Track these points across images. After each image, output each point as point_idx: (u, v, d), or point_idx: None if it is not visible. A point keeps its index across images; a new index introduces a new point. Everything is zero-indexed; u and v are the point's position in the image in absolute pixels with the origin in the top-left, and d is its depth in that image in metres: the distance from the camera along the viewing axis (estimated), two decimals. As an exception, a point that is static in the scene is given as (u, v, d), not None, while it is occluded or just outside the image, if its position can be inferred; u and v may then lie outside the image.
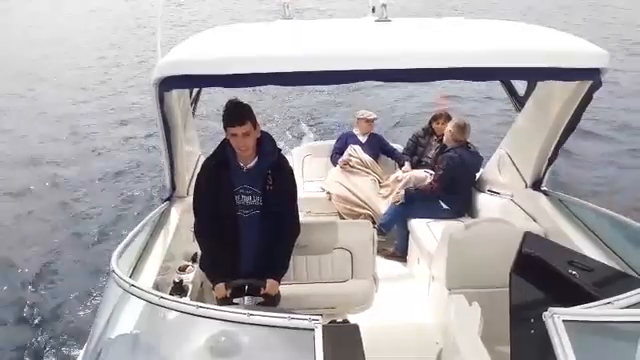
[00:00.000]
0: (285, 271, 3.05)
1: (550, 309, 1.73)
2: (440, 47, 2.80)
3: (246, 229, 2.99)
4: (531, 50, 2.83)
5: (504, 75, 3.21)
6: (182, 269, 3.43)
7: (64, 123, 12.47)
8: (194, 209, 3.09)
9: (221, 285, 2.91)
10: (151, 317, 2.18)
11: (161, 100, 2.84)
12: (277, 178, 2.94)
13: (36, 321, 5.61)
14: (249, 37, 3.20)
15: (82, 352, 2.37)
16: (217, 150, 3.00)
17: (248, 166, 2.94)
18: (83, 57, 19.43)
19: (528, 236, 2.50)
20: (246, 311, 1.82)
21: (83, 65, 18.40)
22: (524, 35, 3.27)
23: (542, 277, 2.30)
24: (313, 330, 1.75)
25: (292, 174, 3.07)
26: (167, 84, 2.64)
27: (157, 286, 3.10)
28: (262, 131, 2.95)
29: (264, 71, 2.53)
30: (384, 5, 3.13)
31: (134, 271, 3.06)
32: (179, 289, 3.18)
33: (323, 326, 2.29)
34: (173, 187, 3.73)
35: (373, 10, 3.25)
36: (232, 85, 2.59)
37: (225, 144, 2.95)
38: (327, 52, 2.61)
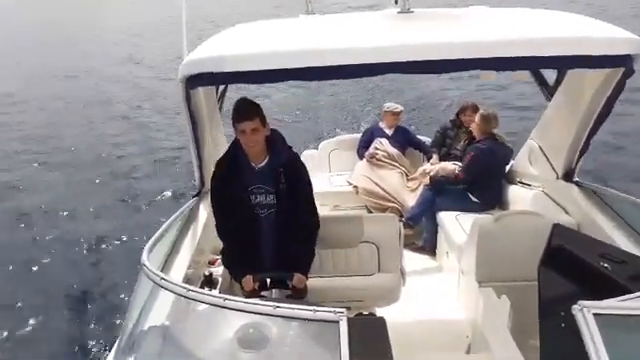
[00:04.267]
0: (309, 266, 3.07)
1: (580, 302, 1.70)
2: (466, 37, 2.76)
3: (265, 228, 3.02)
4: (560, 38, 2.76)
5: (532, 64, 3.13)
6: (212, 262, 3.49)
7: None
8: (212, 208, 3.14)
9: (249, 278, 2.95)
10: (181, 310, 2.23)
11: (188, 97, 2.89)
12: (290, 176, 2.95)
13: (70, 314, 5.78)
14: (273, 33, 3.22)
15: (115, 345, 2.45)
16: (229, 150, 3.03)
17: (259, 166, 2.96)
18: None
19: (557, 228, 2.45)
20: (272, 303, 1.84)
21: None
22: (552, 22, 3.19)
23: (572, 270, 2.25)
24: (338, 323, 1.76)
25: (305, 170, 3.08)
26: (193, 81, 2.69)
27: (187, 279, 3.17)
28: (272, 129, 2.97)
29: (288, 67, 2.54)
30: None
31: (165, 265, 3.13)
32: (209, 282, 3.24)
33: (349, 319, 2.31)
34: (202, 183, 3.80)
35: (396, 2, 3.22)
36: (257, 81, 2.62)
37: (236, 144, 2.97)
38: (350, 46, 2.60)
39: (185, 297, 2.02)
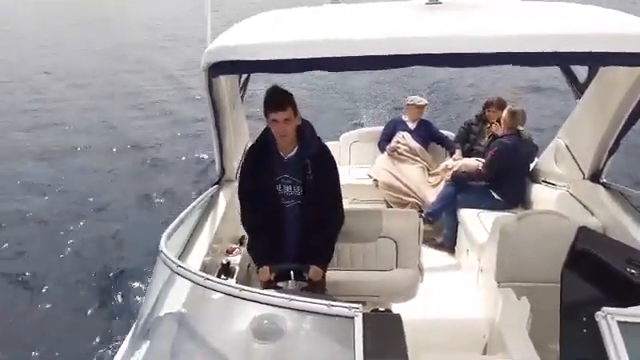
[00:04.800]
0: (329, 260, 3.05)
1: (604, 309, 1.65)
2: (496, 30, 2.68)
3: (289, 219, 3.00)
4: (594, 33, 2.65)
5: (564, 60, 3.03)
6: (230, 251, 3.51)
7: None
8: (239, 196, 3.14)
9: (265, 268, 2.95)
10: (197, 298, 2.24)
11: (210, 85, 2.88)
12: (317, 168, 2.93)
13: (89, 300, 5.86)
14: (297, 22, 3.18)
15: (131, 331, 2.47)
16: (259, 138, 3.02)
17: (288, 155, 2.94)
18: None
19: (582, 231, 2.38)
20: (287, 296, 1.83)
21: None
22: (586, 17, 3.08)
23: (596, 275, 2.18)
24: (353, 319, 1.74)
25: (334, 163, 3.05)
26: (215, 70, 2.67)
27: (205, 267, 3.19)
28: (302, 119, 2.94)
29: (311, 56, 2.51)
30: None
31: (183, 252, 3.16)
32: (226, 271, 3.26)
33: (364, 314, 2.29)
34: (222, 171, 3.81)
35: None
36: (279, 71, 2.59)
37: (267, 132, 2.96)
38: (374, 36, 2.55)
39: (201, 285, 2.02)
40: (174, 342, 2.19)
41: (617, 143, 3.46)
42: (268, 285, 2.97)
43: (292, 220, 3.00)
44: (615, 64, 2.81)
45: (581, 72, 3.78)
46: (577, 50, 2.55)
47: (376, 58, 2.47)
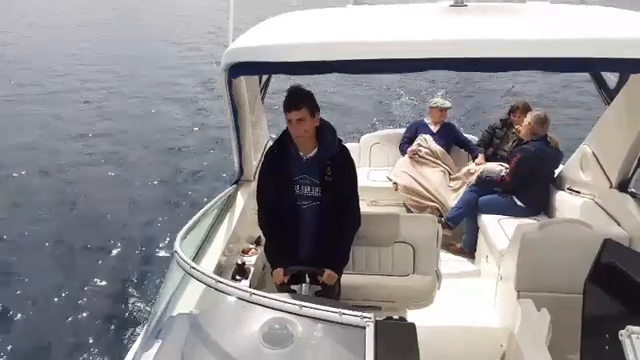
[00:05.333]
0: (345, 263, 3.02)
1: (628, 327, 1.58)
2: (522, 34, 2.60)
3: (306, 220, 2.97)
4: (626, 39, 2.55)
5: (593, 67, 2.93)
6: (245, 252, 3.50)
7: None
8: (257, 196, 3.12)
9: (279, 270, 2.93)
10: (209, 299, 2.23)
11: (230, 85, 2.88)
12: (336, 169, 2.89)
13: (103, 297, 5.89)
14: (318, 23, 3.15)
15: (143, 330, 2.48)
16: (280, 138, 3.00)
17: (308, 156, 2.91)
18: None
19: (609, 243, 2.28)
20: (298, 302, 1.81)
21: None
22: (617, 22, 2.98)
23: (622, 290, 2.09)
24: (364, 328, 1.70)
25: (353, 165, 3.01)
26: (235, 70, 2.67)
27: (220, 267, 3.19)
28: (322, 120, 2.91)
29: (331, 59, 2.47)
30: None
31: (199, 251, 3.16)
32: (241, 271, 3.25)
33: (377, 321, 2.24)
34: (241, 171, 3.80)
35: None
36: (298, 72, 2.58)
37: (287, 132, 2.94)
38: (396, 39, 2.50)
39: (213, 288, 2.00)
40: (185, 343, 2.18)
41: None
42: (282, 287, 2.95)
43: (309, 222, 2.97)
44: None
45: (611, 77, 3.66)
46: (608, 56, 2.45)
47: (397, 61, 2.42)
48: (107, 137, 10.96)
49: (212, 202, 3.26)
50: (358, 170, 5.76)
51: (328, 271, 2.89)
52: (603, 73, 3.71)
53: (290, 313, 1.82)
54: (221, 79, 2.84)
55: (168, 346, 2.20)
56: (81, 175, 9.17)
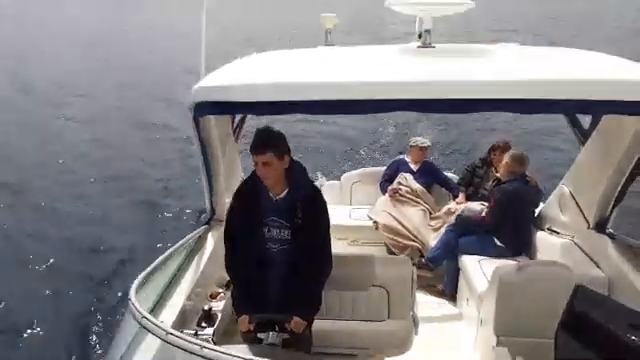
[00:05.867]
0: (316, 310, 2.88)
1: None
2: (492, 75, 2.59)
3: (274, 264, 2.85)
4: (597, 80, 2.54)
5: (565, 108, 2.90)
6: (214, 296, 3.36)
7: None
8: (224, 237, 3.01)
9: (244, 318, 2.80)
10: (167, 351, 2.09)
11: (197, 124, 2.82)
12: (307, 211, 2.79)
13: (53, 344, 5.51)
14: (288, 64, 3.14)
15: None
16: (249, 178, 2.91)
17: (278, 197, 2.81)
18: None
19: (581, 290, 2.20)
20: (250, 358, 1.69)
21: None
22: (588, 63, 2.99)
23: (595, 339, 2.00)
24: None
25: (325, 207, 2.91)
26: (201, 109, 2.61)
27: (184, 313, 3.05)
28: (293, 161, 2.82)
29: (300, 99, 2.43)
30: (427, 31, 2.95)
31: (163, 295, 3.02)
32: (207, 318, 3.10)
33: None
34: (212, 211, 3.70)
35: (419, 36, 3.08)
36: (267, 113, 2.52)
37: (256, 172, 2.85)
38: (366, 80, 2.47)
39: (163, 340, 1.88)
40: None
41: (623, 192, 3.32)
42: (248, 336, 2.81)
43: (278, 266, 2.85)
44: (622, 113, 2.67)
45: (585, 117, 3.67)
46: (580, 97, 2.43)
47: (361, 102, 2.38)
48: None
49: (179, 244, 3.15)
50: (339, 209, 5.79)
51: (296, 318, 2.75)
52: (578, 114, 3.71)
53: None
54: (189, 118, 2.78)
55: None
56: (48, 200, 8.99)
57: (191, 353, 1.78)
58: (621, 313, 2.10)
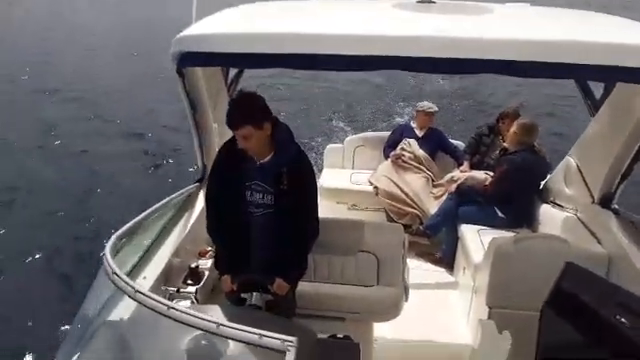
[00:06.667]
0: (300, 274, 2.81)
1: None
2: (497, 35, 2.41)
3: (258, 228, 2.75)
4: (612, 44, 2.33)
5: (576, 74, 2.72)
6: (202, 254, 3.32)
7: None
8: (204, 198, 2.92)
9: (226, 277, 2.75)
10: (137, 309, 2.04)
11: (181, 75, 2.69)
12: (294, 176, 2.66)
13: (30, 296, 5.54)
14: (277, 14, 2.95)
15: (65, 340, 2.29)
16: (232, 138, 2.74)
17: (262, 161, 2.67)
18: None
19: (570, 267, 2.09)
20: (216, 321, 1.62)
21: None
22: (604, 27, 2.78)
23: (581, 319, 1.90)
24: (284, 353, 1.52)
25: (312, 173, 2.79)
26: (184, 60, 2.47)
27: (171, 270, 3.01)
28: (279, 123, 2.67)
29: (287, 52, 2.28)
30: None
31: (147, 252, 2.98)
32: (194, 275, 3.07)
33: (318, 340, 2.06)
34: (204, 168, 3.62)
35: None
36: (251, 66, 2.40)
37: None
38: (355, 34, 2.30)
39: (132, 298, 1.83)
40: (107, 357, 2.02)
41: (631, 167, 3.16)
42: (231, 296, 2.77)
43: (260, 229, 2.75)
44: (635, 81, 2.48)
45: (598, 86, 3.47)
46: (593, 62, 2.25)
47: (354, 58, 2.22)
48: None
49: (166, 200, 3.07)
50: (341, 172, 5.68)
51: (279, 280, 2.69)
52: (590, 82, 3.51)
53: (208, 332, 1.64)
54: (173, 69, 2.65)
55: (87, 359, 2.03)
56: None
57: (157, 312, 1.72)
58: (610, 292, 2.00)
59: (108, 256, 2.07)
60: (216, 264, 2.90)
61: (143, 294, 1.79)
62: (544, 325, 1.93)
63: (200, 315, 1.66)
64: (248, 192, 2.70)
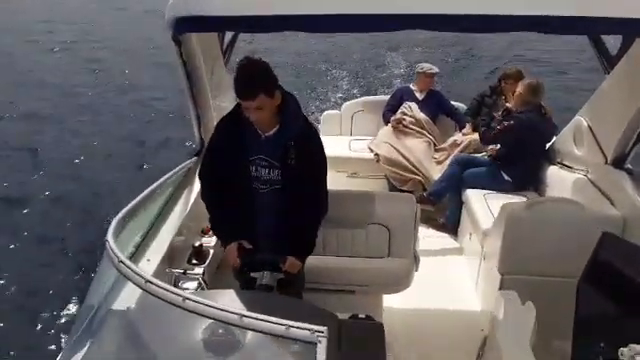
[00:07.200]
0: (310, 251, 2.67)
1: (631, 347, 1.30)
2: None
3: (264, 204, 2.60)
4: None
5: (590, 28, 2.53)
6: (205, 232, 3.18)
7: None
8: (199, 175, 2.73)
9: (232, 247, 2.57)
10: (145, 298, 1.91)
11: (177, 43, 2.49)
12: (302, 150, 2.48)
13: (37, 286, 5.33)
14: None
15: (73, 329, 2.17)
16: (233, 110, 2.55)
17: (267, 134, 2.49)
18: None
19: (607, 238, 1.99)
20: (239, 312, 1.50)
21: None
22: None
23: (620, 292, 1.81)
24: (315, 345, 1.41)
25: (321, 147, 2.60)
26: (181, 26, 2.27)
27: (173, 250, 2.88)
28: (286, 93, 2.48)
29: (291, 13, 2.09)
30: None
31: (149, 231, 2.84)
32: (198, 255, 2.94)
33: (340, 321, 1.96)
34: (201, 142, 3.44)
35: None
36: (255, 30, 2.20)
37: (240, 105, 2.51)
38: None
39: (143, 289, 1.69)
40: (117, 347, 1.90)
41: None
42: (240, 275, 2.64)
43: (267, 207, 2.60)
44: None
45: (613, 42, 3.30)
46: (608, 15, 2.09)
47: (363, 17, 2.04)
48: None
49: (165, 177, 2.91)
50: (339, 139, 5.52)
51: (291, 258, 2.56)
52: (604, 37, 3.34)
53: (228, 324, 1.51)
54: (167, 37, 2.44)
55: (98, 348, 1.91)
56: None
57: (171, 304, 1.59)
58: (651, 263, 1.91)
59: (111, 242, 1.93)
60: (218, 234, 2.74)
61: (155, 284, 1.65)
62: (582, 301, 1.83)
63: (220, 306, 1.54)
64: (253, 167, 2.53)
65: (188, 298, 1.57)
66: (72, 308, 4.87)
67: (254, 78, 2.29)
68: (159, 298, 1.62)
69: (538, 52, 11.81)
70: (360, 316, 2.07)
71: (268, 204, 2.59)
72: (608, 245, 1.88)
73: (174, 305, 1.58)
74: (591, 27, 2.38)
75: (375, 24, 2.20)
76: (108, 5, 18.57)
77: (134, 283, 1.72)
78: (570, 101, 6.72)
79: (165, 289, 1.63)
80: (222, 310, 1.52)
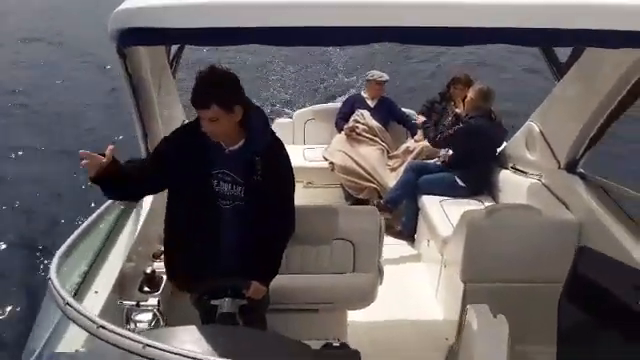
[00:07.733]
0: (275, 273, 2.52)
1: None
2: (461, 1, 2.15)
3: (227, 221, 2.42)
4: (582, 5, 2.14)
5: (543, 40, 2.48)
6: (156, 256, 2.94)
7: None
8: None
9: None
10: (97, 342, 1.69)
11: (122, 56, 2.27)
12: (268, 165, 2.34)
13: None
14: None
15: None
16: (193, 121, 2.35)
17: (231, 148, 2.32)
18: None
19: (584, 252, 1.97)
20: (207, 358, 1.33)
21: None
22: None
23: (599, 306, 1.79)
24: None
25: (288, 163, 2.46)
26: (126, 38, 2.05)
27: (125, 277, 2.64)
28: (253, 108, 2.33)
29: (248, 26, 1.93)
30: None
31: (97, 259, 2.59)
32: (150, 281, 2.70)
33: (314, 351, 1.83)
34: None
35: None
36: (206, 43, 2.01)
37: None
38: (330, 3, 1.98)
39: (94, 335, 1.48)
40: None
41: (602, 131, 3.11)
42: (199, 303, 2.44)
43: (230, 224, 2.42)
44: (608, 46, 2.28)
45: (562, 50, 3.37)
46: (561, 27, 2.03)
47: (327, 31, 1.91)
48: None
49: (110, 200, 2.66)
50: (292, 149, 5.34)
51: (255, 284, 2.39)
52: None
53: None
54: (112, 50, 2.22)
55: None
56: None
57: (129, 352, 1.40)
58: (626, 274, 1.90)
59: (55, 281, 1.69)
60: (169, 275, 2.56)
61: (109, 330, 1.45)
62: (563, 318, 1.79)
63: (186, 352, 1.36)
64: (215, 181, 2.35)
65: (149, 344, 1.39)
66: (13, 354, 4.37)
67: (209, 87, 2.13)
68: (115, 345, 1.43)
69: (480, 55, 12.07)
70: (334, 344, 1.94)
71: (231, 220, 2.41)
72: (585, 259, 1.86)
73: (132, 352, 1.39)
74: (545, 39, 2.34)
75: (341, 37, 2.05)
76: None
77: (84, 329, 1.51)
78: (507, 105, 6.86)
79: (121, 335, 1.43)
80: (190, 358, 1.35)
